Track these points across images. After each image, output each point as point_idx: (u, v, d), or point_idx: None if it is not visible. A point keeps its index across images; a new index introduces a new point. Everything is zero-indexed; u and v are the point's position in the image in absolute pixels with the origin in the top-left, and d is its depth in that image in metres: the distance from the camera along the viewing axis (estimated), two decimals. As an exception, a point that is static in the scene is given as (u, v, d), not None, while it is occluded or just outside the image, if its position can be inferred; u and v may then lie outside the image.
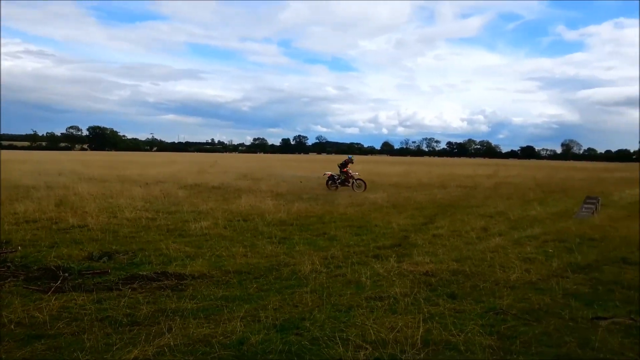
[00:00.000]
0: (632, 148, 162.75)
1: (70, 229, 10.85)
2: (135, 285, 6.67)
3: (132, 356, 4.33)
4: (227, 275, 7.21)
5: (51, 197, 15.96)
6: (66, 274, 7.05)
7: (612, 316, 5.47)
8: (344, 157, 24.64)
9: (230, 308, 5.70)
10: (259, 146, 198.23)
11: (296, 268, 7.57)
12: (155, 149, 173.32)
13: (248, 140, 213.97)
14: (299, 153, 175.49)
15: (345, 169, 22.32)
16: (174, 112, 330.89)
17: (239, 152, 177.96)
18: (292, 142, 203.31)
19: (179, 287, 6.64)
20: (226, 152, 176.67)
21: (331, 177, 22.52)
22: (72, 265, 7.51)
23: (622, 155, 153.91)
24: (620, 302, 6.05)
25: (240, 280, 7.00)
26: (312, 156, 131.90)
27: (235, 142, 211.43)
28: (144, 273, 7.19)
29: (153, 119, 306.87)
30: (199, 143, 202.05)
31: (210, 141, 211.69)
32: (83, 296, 6.05)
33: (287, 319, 5.35)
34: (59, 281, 6.73)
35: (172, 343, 4.63)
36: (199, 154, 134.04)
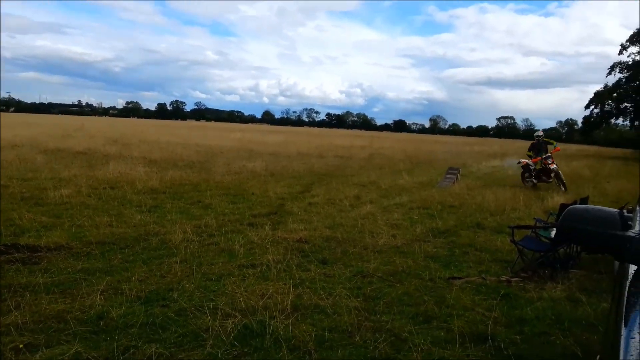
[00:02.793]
0: (490, 124, 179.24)
1: None
2: (-23, 260, 5.94)
3: (-31, 338, 3.85)
4: (88, 246, 6.68)
5: None
6: None
7: (466, 276, 5.96)
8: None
9: (90, 281, 5.29)
10: (133, 110, 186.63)
11: (166, 237, 7.24)
12: (12, 109, 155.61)
13: (120, 103, 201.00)
14: (176, 119, 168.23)
15: (542, 159, 15.25)
16: (35, 69, 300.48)
17: (109, 116, 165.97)
18: (169, 108, 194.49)
19: (32, 260, 6.02)
20: (96, 115, 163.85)
21: (526, 168, 15.87)
22: None
23: (481, 131, 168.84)
24: (473, 263, 6.61)
25: (103, 251, 6.53)
26: (191, 123, 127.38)
27: (106, 105, 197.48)
28: (-11, 246, 6.43)
29: (9, 76, 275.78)
30: (64, 105, 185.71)
31: (77, 103, 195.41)
32: None
33: (153, 291, 5.09)
34: None
35: (19, 321, 4.18)
36: (63, 116, 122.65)
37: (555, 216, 7.46)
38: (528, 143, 17.12)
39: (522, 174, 15.97)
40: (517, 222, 9.08)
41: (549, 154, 15.10)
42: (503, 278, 5.89)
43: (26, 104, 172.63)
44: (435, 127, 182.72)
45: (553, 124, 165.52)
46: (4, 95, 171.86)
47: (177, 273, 5.67)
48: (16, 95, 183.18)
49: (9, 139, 25.49)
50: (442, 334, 4.25)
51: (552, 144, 15.80)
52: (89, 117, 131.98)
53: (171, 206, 9.77)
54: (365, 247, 7.17)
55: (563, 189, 14.69)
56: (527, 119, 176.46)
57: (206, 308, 4.59)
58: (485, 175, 19.81)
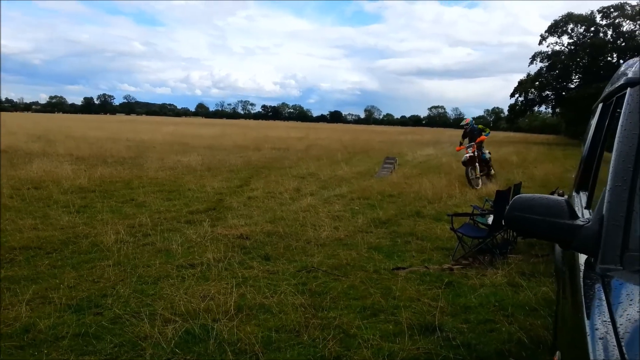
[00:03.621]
0: (422, 114, 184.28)
1: None
2: None
3: None
4: (11, 252, 6.18)
5: None
6: None
7: (409, 266, 5.99)
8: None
9: (14, 291, 4.87)
10: (57, 105, 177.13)
11: (97, 239, 6.83)
12: None
13: (43, 98, 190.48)
14: (105, 114, 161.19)
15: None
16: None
17: (32, 112, 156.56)
18: (96, 102, 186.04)
19: (-55, 270, 5.49)
20: (17, 111, 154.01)
21: (470, 162, 13.31)
22: None
23: (414, 120, 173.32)
24: (415, 252, 6.66)
25: (28, 257, 6.06)
26: (121, 117, 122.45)
27: (27, 100, 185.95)
28: None
29: None
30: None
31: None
32: None
33: (85, 298, 4.76)
34: None
35: None
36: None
37: (490, 203, 7.66)
38: (459, 131, 17.39)
39: (467, 173, 13.17)
40: (454, 209, 9.28)
41: (470, 144, 13.49)
42: (445, 266, 5.97)
43: None
44: (370, 118, 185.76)
45: (481, 112, 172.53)
46: None
47: (110, 277, 5.33)
48: None
49: None
50: (391, 327, 4.21)
51: (484, 131, 14.17)
52: (9, 113, 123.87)
53: (102, 205, 9.26)
54: (308, 241, 7.06)
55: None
56: (456, 108, 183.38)
57: (143, 314, 4.33)
58: (421, 164, 20.25)
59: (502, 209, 6.36)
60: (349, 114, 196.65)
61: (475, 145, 13.40)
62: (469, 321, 4.38)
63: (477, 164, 13.27)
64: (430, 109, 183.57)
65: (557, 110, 58.13)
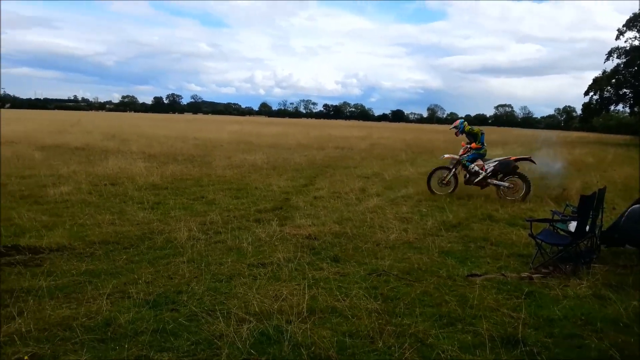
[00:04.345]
0: (488, 113, 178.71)
1: None
2: (-23, 263, 5.71)
3: (-30, 349, 3.62)
4: (91, 246, 6.46)
5: None
6: None
7: (485, 273, 5.74)
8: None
9: (95, 284, 5.07)
10: (129, 104, 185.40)
11: (171, 236, 7.01)
12: (8, 105, 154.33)
13: (116, 97, 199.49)
14: (173, 113, 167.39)
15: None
16: (27, 64, 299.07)
17: (106, 111, 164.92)
18: (166, 101, 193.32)
19: (34, 262, 5.79)
20: (92, 110, 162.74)
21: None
22: None
23: (480, 120, 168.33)
24: (490, 258, 6.39)
25: (107, 251, 6.30)
26: (188, 116, 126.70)
27: (102, 99, 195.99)
28: (-11, 248, 6.19)
29: (3, 72, 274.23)
30: (60, 100, 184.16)
31: (72, 98, 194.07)
32: None
33: (161, 294, 4.87)
34: None
35: (23, 329, 3.96)
36: (59, 111, 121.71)
37: (572, 208, 7.23)
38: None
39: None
40: (530, 213, 8.88)
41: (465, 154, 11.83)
42: (524, 275, 5.67)
43: (22, 99, 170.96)
44: (433, 117, 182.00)
45: (551, 111, 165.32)
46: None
47: (185, 274, 5.44)
48: (11, 91, 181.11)
49: (5, 135, 25.17)
50: (470, 338, 4.03)
51: (477, 135, 12.14)
52: (85, 112, 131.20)
53: (174, 202, 9.54)
54: (377, 243, 6.95)
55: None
56: (525, 107, 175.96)
57: (218, 312, 4.38)
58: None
59: (586, 214, 5.98)
60: (412, 113, 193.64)
61: (466, 149, 11.87)
62: (553, 335, 4.12)
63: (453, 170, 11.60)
64: (496, 107, 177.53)
65: (636, 109, 54.68)
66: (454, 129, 12.39)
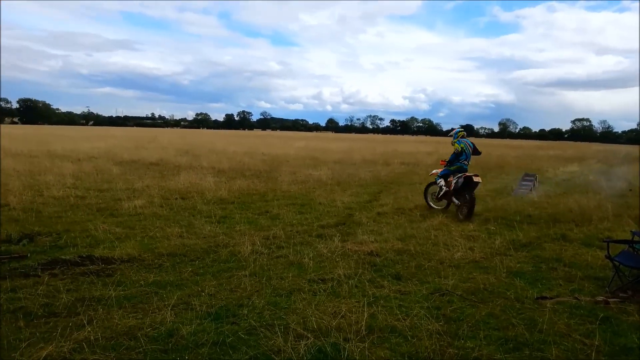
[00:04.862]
0: (564, 127, 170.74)
1: (-13, 208, 9.91)
2: (56, 271, 6.06)
3: (45, 353, 3.82)
4: (159, 258, 6.70)
5: (-31, 174, 14.65)
6: (-24, 260, 6.33)
7: (556, 296, 5.42)
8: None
9: (161, 295, 5.24)
10: (202, 121, 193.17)
11: (235, 249, 7.15)
12: (91, 123, 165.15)
13: (190, 115, 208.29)
14: (243, 129, 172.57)
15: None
16: (110, 84, 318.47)
17: (181, 127, 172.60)
18: (236, 118, 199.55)
19: (105, 272, 6.08)
20: (168, 127, 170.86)
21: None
22: (-16, 250, 6.77)
23: (555, 134, 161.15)
24: (563, 280, 6.04)
25: (174, 263, 6.51)
26: (257, 132, 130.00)
27: (177, 117, 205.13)
28: (67, 257, 6.55)
29: (88, 92, 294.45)
30: (138, 117, 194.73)
31: (150, 115, 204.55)
32: (-6, 285, 5.41)
33: (223, 306, 4.95)
34: (-33, 268, 6.03)
35: (92, 337, 4.15)
36: (138, 128, 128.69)
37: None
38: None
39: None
40: (607, 234, 8.34)
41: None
42: (599, 298, 5.30)
43: (104, 117, 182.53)
44: (505, 131, 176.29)
45: (633, 125, 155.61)
46: (84, 109, 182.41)
47: (246, 287, 5.52)
48: (95, 109, 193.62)
49: (87, 151, 26.88)
50: (537, 364, 3.80)
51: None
52: (161, 128, 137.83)
53: (240, 217, 9.74)
54: (440, 262, 6.75)
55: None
56: (604, 121, 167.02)
57: (277, 327, 4.39)
58: (564, 182, 18.61)
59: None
60: (482, 127, 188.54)
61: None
62: (632, 366, 3.81)
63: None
64: (573, 121, 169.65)
65: None
66: (450, 137, 11.94)
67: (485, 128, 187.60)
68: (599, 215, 10.25)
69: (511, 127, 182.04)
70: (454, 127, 14.40)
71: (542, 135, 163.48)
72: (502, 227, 9.25)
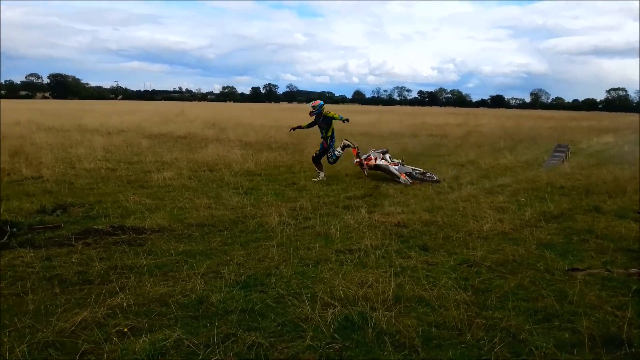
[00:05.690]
0: (599, 97, 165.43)
1: (23, 181, 10.21)
2: (89, 240, 6.23)
3: (79, 319, 3.94)
4: (189, 228, 6.81)
5: (5, 148, 15.06)
6: (14, 229, 6.53)
7: (588, 267, 5.32)
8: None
9: (191, 264, 5.34)
10: (229, 95, 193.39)
11: (263, 220, 7.21)
12: (120, 97, 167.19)
13: (217, 88, 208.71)
14: (270, 102, 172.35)
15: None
16: (138, 59, 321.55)
17: (207, 101, 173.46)
18: (262, 91, 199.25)
19: (137, 241, 6.22)
20: (195, 100, 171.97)
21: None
22: (20, 220, 6.99)
23: (589, 104, 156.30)
24: (594, 252, 5.92)
25: (203, 233, 6.62)
26: (283, 105, 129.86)
27: (204, 90, 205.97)
28: (100, 227, 6.72)
29: (116, 67, 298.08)
30: (166, 91, 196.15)
31: (177, 89, 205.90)
32: (31, 253, 5.59)
33: (251, 275, 5.02)
34: (6, 237, 6.24)
35: (124, 303, 4.26)
36: (166, 102, 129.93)
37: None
38: None
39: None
40: (643, 205, 8.10)
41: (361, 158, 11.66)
42: (633, 271, 5.18)
43: (132, 91, 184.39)
44: (536, 102, 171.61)
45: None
46: (113, 84, 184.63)
47: (274, 257, 5.58)
48: (123, 84, 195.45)
49: (116, 125, 27.31)
50: (567, 335, 3.75)
51: (334, 118, 11.46)
52: (188, 102, 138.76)
53: (267, 188, 9.80)
54: (469, 233, 6.68)
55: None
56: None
57: (304, 296, 4.43)
58: (598, 153, 18.16)
59: None
60: (512, 98, 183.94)
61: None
62: (666, 338, 3.73)
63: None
64: (608, 91, 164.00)
65: None
66: (313, 110, 11.58)
67: (516, 99, 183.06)
68: (634, 187, 9.98)
69: (543, 98, 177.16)
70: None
71: (576, 105, 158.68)
72: (532, 198, 9.08)
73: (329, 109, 11.70)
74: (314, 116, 11.59)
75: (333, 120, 11.52)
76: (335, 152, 11.73)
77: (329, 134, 11.61)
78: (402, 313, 4.13)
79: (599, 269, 5.27)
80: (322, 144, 11.66)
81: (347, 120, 11.77)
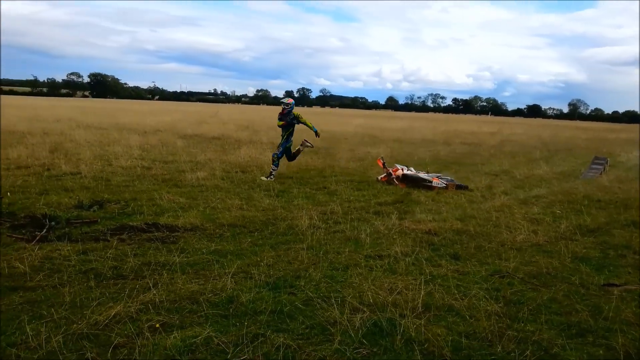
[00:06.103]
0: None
1: (62, 176, 10.53)
2: (124, 236, 6.37)
3: (113, 312, 4.04)
4: (220, 228, 6.90)
5: (46, 144, 15.59)
6: (52, 223, 6.74)
7: (624, 283, 5.17)
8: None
9: (222, 263, 5.41)
10: (262, 98, 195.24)
11: (293, 223, 7.26)
12: (157, 97, 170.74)
13: (251, 91, 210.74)
14: (302, 106, 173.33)
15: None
16: (175, 60, 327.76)
17: (241, 104, 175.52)
18: (296, 95, 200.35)
19: (170, 239, 6.34)
20: (229, 103, 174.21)
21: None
22: (59, 214, 7.21)
23: (630, 116, 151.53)
24: (632, 268, 5.75)
25: (234, 234, 6.70)
26: (316, 109, 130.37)
27: (238, 93, 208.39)
28: (134, 224, 6.88)
29: (154, 67, 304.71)
30: (201, 93, 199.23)
31: (212, 91, 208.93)
32: (68, 247, 5.75)
33: (281, 277, 5.06)
34: (44, 230, 6.44)
35: (157, 299, 4.35)
36: (200, 103, 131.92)
37: None
38: None
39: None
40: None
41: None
42: (673, 289, 5.02)
43: (169, 92, 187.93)
44: (574, 112, 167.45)
45: None
46: (150, 85, 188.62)
47: (303, 260, 5.60)
48: (160, 85, 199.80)
49: (153, 125, 27.89)
50: (601, 351, 3.66)
51: (300, 119, 11.78)
52: (223, 104, 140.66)
53: (297, 191, 9.85)
54: (501, 244, 6.58)
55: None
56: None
57: (333, 299, 4.43)
58: (637, 167, 17.60)
59: None
60: (550, 108, 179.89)
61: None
62: None
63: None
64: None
65: None
66: (286, 106, 11.74)
67: (553, 109, 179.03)
68: (676, 203, 9.64)
69: (582, 108, 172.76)
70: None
71: (615, 117, 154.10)
72: (568, 211, 8.88)
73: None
74: (284, 113, 11.72)
75: (297, 124, 11.88)
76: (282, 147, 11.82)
77: (288, 132, 11.86)
78: (431, 321, 4.10)
79: (637, 285, 5.11)
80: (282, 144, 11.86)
81: (318, 135, 12.35)
